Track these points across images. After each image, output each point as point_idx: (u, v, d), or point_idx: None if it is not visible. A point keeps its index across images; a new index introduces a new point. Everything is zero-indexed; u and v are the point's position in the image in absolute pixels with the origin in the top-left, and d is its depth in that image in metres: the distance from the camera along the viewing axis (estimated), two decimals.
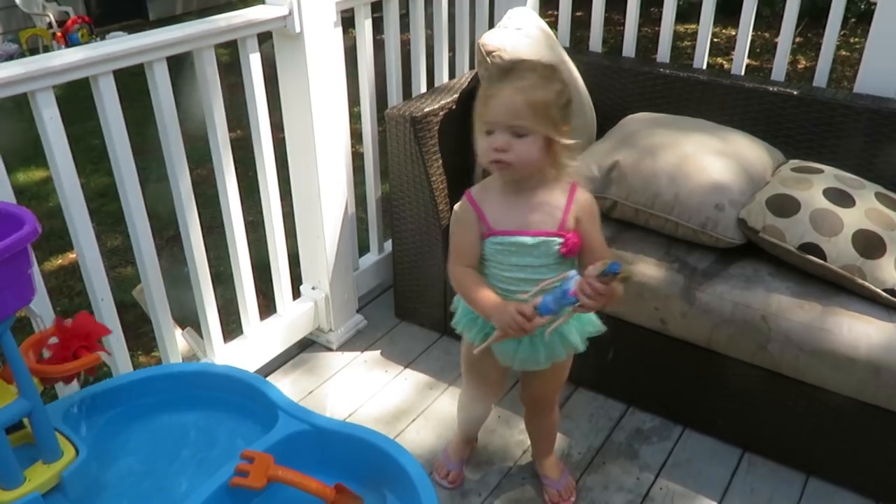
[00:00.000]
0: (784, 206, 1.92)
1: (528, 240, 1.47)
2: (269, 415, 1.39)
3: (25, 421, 1.26)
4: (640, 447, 2.06)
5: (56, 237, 3.15)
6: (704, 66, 2.68)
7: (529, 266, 1.48)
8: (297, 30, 1.94)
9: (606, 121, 2.46)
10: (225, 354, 2.13)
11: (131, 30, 6.71)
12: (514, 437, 2.10)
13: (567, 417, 2.16)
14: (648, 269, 1.99)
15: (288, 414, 1.37)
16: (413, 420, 2.15)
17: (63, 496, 1.23)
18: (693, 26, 5.42)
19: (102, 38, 6.41)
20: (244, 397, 1.42)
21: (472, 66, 2.86)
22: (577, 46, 2.93)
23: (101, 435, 1.38)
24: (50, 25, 6.37)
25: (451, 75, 2.75)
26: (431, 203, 2.27)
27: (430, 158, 2.24)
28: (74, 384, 1.67)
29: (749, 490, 1.93)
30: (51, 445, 1.23)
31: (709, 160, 2.07)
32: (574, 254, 1.49)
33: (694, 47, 2.68)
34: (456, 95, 2.35)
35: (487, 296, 1.48)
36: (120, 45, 1.59)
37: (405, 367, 2.37)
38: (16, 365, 1.15)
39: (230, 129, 1.93)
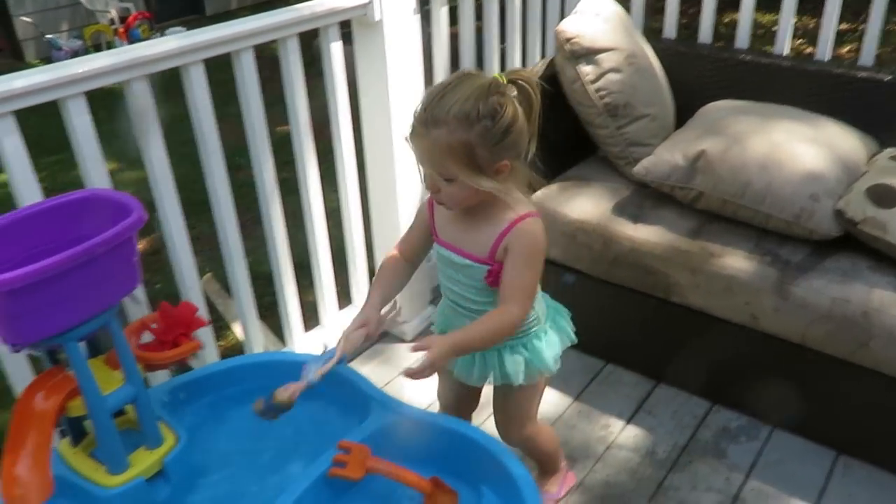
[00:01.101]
0: (885, 196, 1.83)
1: (456, 258, 1.40)
2: (360, 405, 1.38)
3: (127, 407, 1.27)
4: (728, 446, 2.00)
5: None
6: (786, 52, 2.58)
7: (460, 283, 1.43)
8: (377, 18, 1.93)
9: (682, 109, 2.39)
10: (304, 343, 2.14)
11: (189, 25, 6.82)
12: (595, 433, 2.06)
13: (650, 414, 2.11)
14: (737, 262, 1.92)
15: (381, 405, 1.36)
16: (490, 415, 2.12)
17: (165, 482, 1.24)
18: (769, 16, 5.25)
19: (162, 34, 6.53)
20: (334, 387, 1.41)
21: (543, 55, 2.81)
22: (652, 33, 2.85)
23: (196, 422, 1.39)
24: (112, 22, 6.52)
25: (524, 64, 2.71)
26: None
27: None
28: (163, 372, 1.69)
29: (847, 494, 1.84)
30: (153, 432, 1.24)
31: (801, 148, 1.98)
32: (497, 285, 1.38)
33: (770, 37, 2.58)
34: None
35: (370, 298, 1.44)
36: (209, 34, 1.60)
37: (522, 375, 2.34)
38: (122, 352, 1.16)
39: (279, 124, 1.91)
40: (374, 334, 1.40)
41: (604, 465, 1.95)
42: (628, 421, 2.09)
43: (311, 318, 2.27)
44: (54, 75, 1.35)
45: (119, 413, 1.27)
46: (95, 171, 1.48)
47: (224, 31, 1.62)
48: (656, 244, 2.01)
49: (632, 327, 2.19)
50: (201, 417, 1.41)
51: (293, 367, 1.44)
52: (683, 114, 2.35)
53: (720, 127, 2.11)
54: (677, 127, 2.31)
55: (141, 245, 3.38)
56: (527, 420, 1.64)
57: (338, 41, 1.91)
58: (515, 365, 1.46)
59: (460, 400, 1.69)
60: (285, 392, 1.25)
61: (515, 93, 1.28)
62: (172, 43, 1.53)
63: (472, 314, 1.44)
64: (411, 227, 1.51)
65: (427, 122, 1.25)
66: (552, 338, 1.51)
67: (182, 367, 1.48)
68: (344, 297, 2.33)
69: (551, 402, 2.16)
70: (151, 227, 1.67)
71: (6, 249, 1.09)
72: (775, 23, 2.69)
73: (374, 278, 1.48)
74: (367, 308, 1.41)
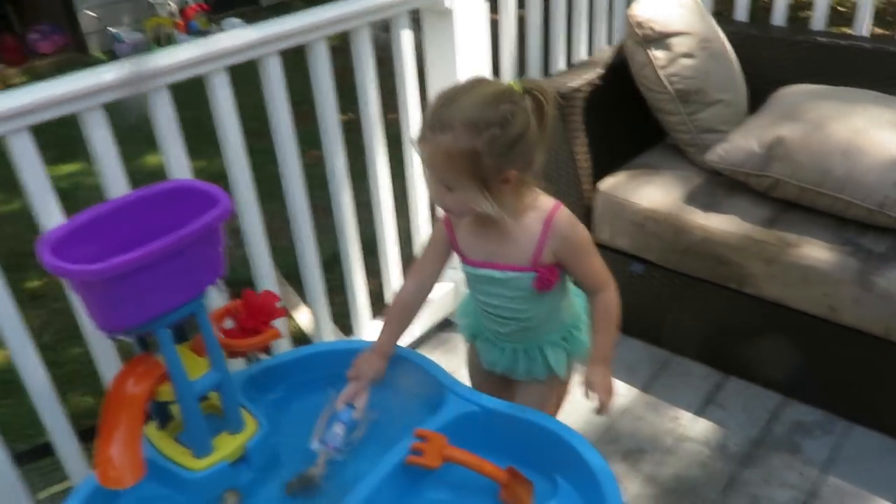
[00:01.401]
0: None
1: (497, 274, 1.36)
2: (435, 394, 1.38)
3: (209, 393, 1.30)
4: (802, 441, 1.95)
5: None
6: (866, 33, 2.48)
7: (503, 296, 1.39)
8: (448, 5, 1.92)
9: (755, 94, 2.32)
10: (373, 332, 2.15)
11: (245, 16, 6.92)
12: (664, 425, 2.03)
13: (720, 407, 2.07)
14: (816, 251, 1.87)
15: (456, 394, 1.36)
16: None
17: (247, 466, 1.27)
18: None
19: (218, 25, 6.63)
20: (409, 376, 1.42)
21: (610, 41, 2.76)
22: (722, 15, 2.77)
23: (275, 409, 1.42)
24: (171, 14, 6.63)
25: (589, 50, 2.67)
26: (575, 182, 2.21)
27: (575, 136, 2.18)
28: (239, 359, 1.73)
29: None
30: (236, 417, 1.27)
31: (885, 134, 1.91)
32: (550, 289, 1.36)
33: (847, 18, 2.48)
34: (600, 70, 2.27)
35: (379, 338, 1.42)
36: (283, 26, 1.61)
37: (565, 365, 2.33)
38: (209, 338, 1.19)
39: (343, 111, 1.91)
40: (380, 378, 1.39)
41: (673, 458, 1.93)
42: (698, 413, 2.06)
43: (375, 305, 2.29)
44: (137, 69, 1.38)
45: (202, 399, 1.30)
46: (177, 162, 1.52)
47: (299, 22, 1.63)
48: (730, 233, 1.97)
49: (702, 318, 2.15)
50: (278, 404, 1.43)
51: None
52: (756, 99, 2.29)
53: (797, 112, 2.05)
54: (750, 113, 2.25)
55: None
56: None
57: (408, 29, 1.91)
58: (558, 358, 1.48)
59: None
60: (315, 469, 1.26)
61: (529, 102, 1.23)
62: (251, 34, 1.55)
63: (515, 322, 1.42)
64: (425, 254, 1.46)
65: (434, 127, 1.21)
66: (588, 325, 1.49)
67: (257, 355, 1.52)
68: None
69: (618, 392, 2.13)
70: None
71: (101, 239, 1.12)
72: (851, 3, 2.59)
73: (385, 318, 1.44)
74: (375, 357, 1.39)
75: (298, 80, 1.84)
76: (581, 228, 1.35)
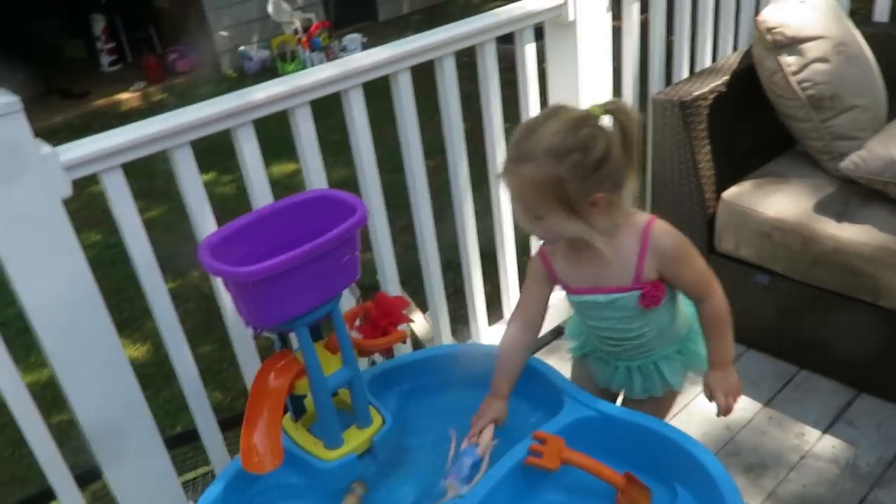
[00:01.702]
0: None
1: (601, 298, 1.34)
2: (553, 398, 1.41)
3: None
4: None
5: None
6: None
7: (611, 318, 1.37)
8: (571, 18, 1.95)
9: None
10: (489, 337, 2.21)
11: (363, 31, 7.18)
12: (788, 441, 1.97)
13: (850, 425, 1.98)
14: None
15: (574, 399, 1.38)
16: (675, 415, 2.09)
17: (373, 459, 1.35)
18: None
19: (340, 41, 6.92)
20: (527, 380, 1.46)
21: (735, 47, 2.69)
22: (860, 16, 2.65)
23: (398, 406, 1.49)
24: (296, 32, 6.97)
25: (714, 58, 2.61)
26: (698, 192, 2.17)
27: (699, 144, 2.15)
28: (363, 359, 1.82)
29: None
30: (365, 412, 1.35)
31: None
32: (657, 304, 1.33)
33: None
34: (726, 77, 2.23)
35: (494, 383, 1.39)
36: (413, 44, 1.70)
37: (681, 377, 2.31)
38: (342, 338, 1.28)
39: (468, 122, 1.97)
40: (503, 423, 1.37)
41: (798, 475, 1.87)
42: (825, 430, 1.98)
43: (492, 312, 2.35)
44: (284, 88, 1.50)
45: (333, 395, 1.39)
46: (315, 173, 1.63)
47: (428, 40, 1.71)
48: (864, 244, 1.88)
49: (832, 331, 2.07)
50: (400, 402, 1.51)
51: (485, 358, 1.51)
52: None
53: None
54: (891, 118, 2.14)
55: None
56: None
57: (532, 43, 1.96)
58: (675, 373, 1.47)
59: None
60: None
61: (611, 124, 1.24)
62: (384, 53, 1.64)
63: (627, 342, 1.42)
64: (525, 292, 1.46)
65: (517, 159, 1.23)
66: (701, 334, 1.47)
67: (376, 357, 1.60)
68: None
69: (739, 406, 2.06)
70: None
71: (251, 243, 1.23)
72: None
73: (497, 362, 1.42)
74: (497, 401, 1.38)
75: (425, 87, 1.92)
76: (679, 237, 1.34)
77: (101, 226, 3.86)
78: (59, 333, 1.36)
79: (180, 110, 1.41)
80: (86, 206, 3.79)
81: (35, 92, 6.50)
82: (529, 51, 1.96)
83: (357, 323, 1.45)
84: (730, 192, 2.16)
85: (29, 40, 6.61)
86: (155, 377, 2.81)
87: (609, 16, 2.08)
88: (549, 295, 1.45)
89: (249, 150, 1.51)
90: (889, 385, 2.02)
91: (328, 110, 1.85)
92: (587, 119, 1.23)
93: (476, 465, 1.29)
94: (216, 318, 1.70)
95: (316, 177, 1.64)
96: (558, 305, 2.37)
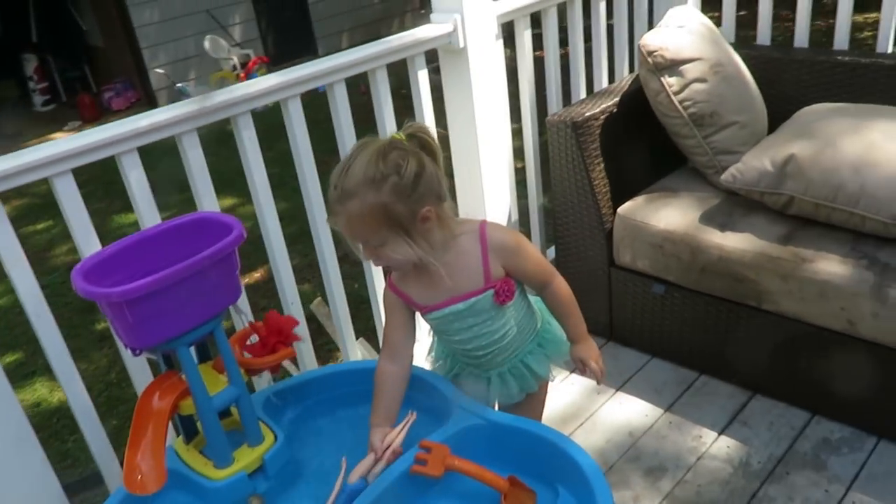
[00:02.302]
0: None
1: (459, 306, 1.41)
2: (443, 409, 1.45)
3: (232, 410, 1.41)
4: (829, 458, 1.93)
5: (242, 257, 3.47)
6: (890, 51, 2.48)
7: (473, 325, 1.44)
8: (461, 44, 2.03)
9: (777, 116, 2.34)
10: None
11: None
12: (686, 443, 2.04)
13: (745, 425, 2.07)
14: (832, 266, 1.88)
15: (463, 409, 1.42)
16: (581, 424, 2.15)
17: (264, 476, 1.36)
18: (871, 15, 5.01)
19: None
20: (419, 392, 1.50)
21: (631, 69, 2.83)
22: (744, 41, 2.81)
23: (293, 424, 1.51)
24: (234, 67, 6.99)
25: (611, 80, 2.74)
26: (594, 207, 2.26)
27: (593, 163, 2.24)
28: (266, 378, 1.83)
29: None
30: (254, 430, 1.36)
31: None
32: (511, 298, 1.42)
33: (873, 38, 2.49)
34: (617, 98, 2.34)
35: (372, 415, 1.40)
36: (305, 70, 1.75)
37: (570, 373, 2.36)
38: (227, 356, 1.30)
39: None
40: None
41: (694, 476, 1.94)
42: (721, 432, 2.07)
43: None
44: (172, 114, 1.53)
45: (226, 415, 1.41)
46: (207, 199, 1.66)
47: (319, 66, 1.76)
48: (745, 251, 1.99)
49: (724, 337, 2.16)
50: (297, 420, 1.52)
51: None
52: (779, 121, 2.30)
53: (812, 130, 2.07)
54: (770, 134, 2.27)
55: (259, 273, 3.64)
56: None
57: (423, 69, 2.03)
58: (542, 365, 1.54)
59: None
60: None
61: (415, 143, 1.31)
62: (273, 79, 1.68)
63: (493, 346, 1.47)
64: (388, 327, 1.48)
65: (340, 199, 1.27)
66: (555, 323, 1.56)
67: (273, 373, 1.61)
68: None
69: (641, 412, 2.16)
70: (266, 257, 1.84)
71: (130, 267, 1.25)
72: (874, 23, 2.59)
73: (374, 394, 1.43)
74: (377, 431, 1.37)
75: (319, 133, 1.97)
76: (512, 232, 1.45)
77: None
78: None
79: (62, 139, 1.42)
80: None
81: None
82: (422, 76, 2.03)
83: (249, 342, 1.47)
84: (624, 207, 2.26)
85: None
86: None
87: (500, 43, 2.17)
88: (411, 321, 1.47)
89: (135, 177, 1.53)
90: (779, 385, 2.12)
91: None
92: (392, 145, 1.29)
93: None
94: None
95: (208, 203, 1.66)
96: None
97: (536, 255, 1.47)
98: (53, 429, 2.86)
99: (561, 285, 1.48)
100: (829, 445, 1.97)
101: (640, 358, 2.37)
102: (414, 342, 1.48)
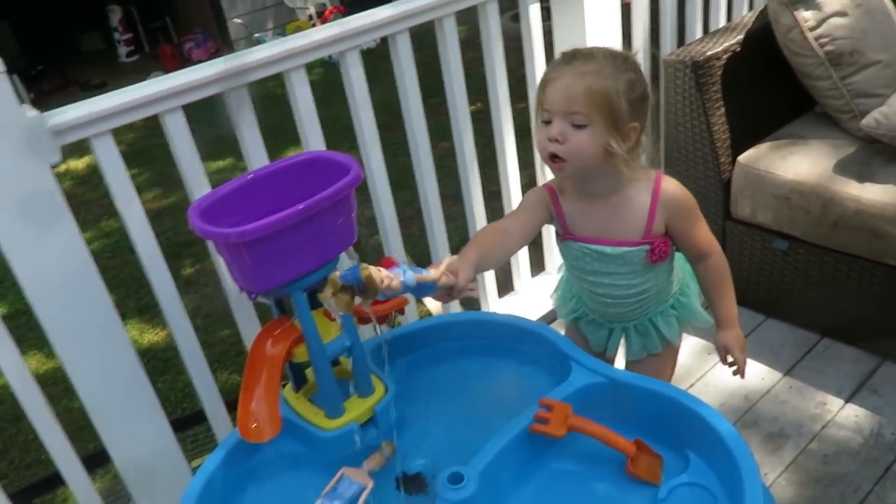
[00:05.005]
0: None
1: (608, 249, 1.30)
2: (560, 365, 1.37)
3: (340, 359, 1.36)
4: None
5: None
6: None
7: (615, 273, 1.33)
8: None
9: None
10: (499, 308, 2.17)
11: None
12: (809, 410, 1.91)
13: (874, 393, 1.92)
14: None
15: (582, 365, 1.34)
16: (692, 385, 2.04)
17: (375, 428, 1.31)
18: None
19: None
20: (534, 347, 1.42)
21: (751, 7, 2.61)
22: None
23: (403, 375, 1.46)
24: (311, 17, 6.94)
25: (729, 17, 2.53)
26: (713, 156, 2.11)
27: (713, 107, 2.08)
28: (370, 329, 1.79)
29: None
30: (366, 381, 1.31)
31: None
32: (664, 260, 1.31)
33: None
34: (740, 37, 2.15)
35: (466, 254, 1.23)
36: (414, 3, 1.64)
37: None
38: None
39: (471, 103, 1.90)
40: (457, 295, 1.21)
41: (819, 445, 1.81)
42: (848, 399, 1.92)
43: (503, 285, 2.31)
44: (277, 49, 1.46)
45: (335, 363, 1.36)
46: (314, 136, 1.59)
47: (377, 16, 1.64)
48: (888, 204, 1.81)
49: (854, 298, 2.00)
50: (407, 371, 1.47)
51: (495, 326, 1.48)
52: None
53: None
54: None
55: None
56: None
57: (536, 4, 1.90)
58: (671, 327, 1.44)
59: None
60: (379, 274, 1.11)
61: None
62: (382, 13, 1.59)
63: (627, 299, 1.39)
64: (522, 209, 1.37)
65: (575, 58, 1.21)
66: (693, 288, 1.46)
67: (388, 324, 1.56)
68: (537, 264, 2.33)
69: (757, 374, 2.03)
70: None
71: (243, 208, 1.20)
72: None
73: (473, 238, 1.30)
74: (464, 263, 1.21)
75: (431, 75, 1.87)
76: (688, 192, 1.33)
77: None
78: (54, 305, 1.34)
79: (171, 75, 1.37)
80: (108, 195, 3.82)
81: (54, 84, 6.60)
82: (534, 14, 1.90)
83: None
84: (746, 156, 2.09)
85: (47, 34, 6.68)
86: (175, 361, 2.81)
87: None
88: (536, 227, 1.37)
89: (244, 116, 1.47)
90: None
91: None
92: (634, 59, 1.25)
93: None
94: None
95: (314, 140, 1.60)
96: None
97: (704, 223, 1.36)
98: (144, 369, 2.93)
99: (720, 261, 1.36)
100: None
101: (755, 318, 2.22)
102: (528, 241, 1.36)
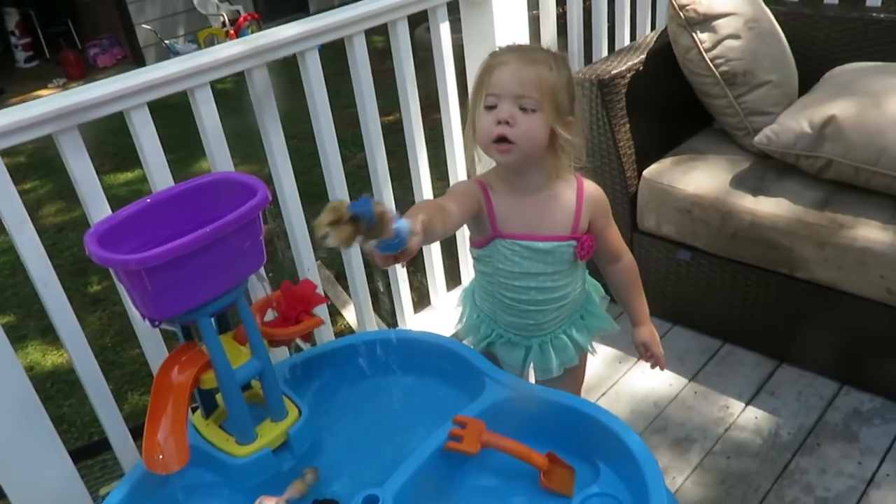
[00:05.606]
0: None
1: (540, 245, 1.34)
2: (474, 382, 1.38)
3: (252, 383, 1.33)
4: (860, 429, 1.88)
5: None
6: None
7: (542, 274, 1.36)
8: None
9: (807, 75, 2.25)
10: (414, 324, 2.17)
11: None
12: (713, 414, 1.99)
13: (772, 395, 2.02)
14: (872, 233, 1.80)
15: (495, 381, 1.36)
16: (604, 394, 2.10)
17: (290, 453, 1.29)
18: None
19: None
20: (448, 363, 1.42)
21: (653, 26, 2.72)
22: None
23: (316, 397, 1.44)
24: (223, 24, 6.79)
25: (633, 37, 2.63)
26: (619, 171, 2.18)
27: (618, 123, 2.15)
28: (284, 350, 1.76)
29: None
30: (278, 405, 1.29)
31: None
32: (589, 256, 1.39)
33: None
34: (643, 55, 2.23)
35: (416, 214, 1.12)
36: (323, 20, 1.64)
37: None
38: (249, 326, 1.22)
39: (385, 114, 1.92)
40: (407, 257, 1.09)
41: (723, 447, 1.89)
42: (749, 402, 2.01)
43: (418, 300, 2.31)
44: (182, 66, 1.42)
45: (246, 387, 1.33)
46: (220, 156, 1.56)
47: (337, 17, 1.65)
48: (779, 217, 1.91)
49: (752, 305, 2.10)
50: (320, 393, 1.45)
51: (408, 343, 1.48)
52: (808, 80, 2.22)
53: (850, 90, 1.98)
54: (801, 94, 2.18)
55: None
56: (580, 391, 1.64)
57: (446, 21, 1.92)
58: (584, 335, 1.49)
59: None
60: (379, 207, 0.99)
61: None
62: (291, 30, 1.57)
63: (551, 303, 1.41)
64: (455, 195, 1.32)
65: (523, 50, 1.28)
66: (596, 298, 1.52)
67: (299, 346, 1.54)
68: (453, 278, 2.35)
69: (665, 381, 2.11)
70: (265, 218, 1.74)
71: (147, 232, 1.16)
72: None
73: (415, 207, 1.20)
74: (416, 224, 1.08)
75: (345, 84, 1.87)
76: (606, 196, 1.41)
77: None
78: None
79: (67, 91, 1.32)
80: None
81: None
82: (444, 30, 1.92)
83: (269, 316, 1.39)
84: (650, 170, 2.17)
85: None
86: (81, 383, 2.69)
87: None
88: (472, 216, 1.33)
89: (147, 134, 1.42)
90: (808, 354, 2.06)
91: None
92: None
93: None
94: None
95: (221, 162, 1.56)
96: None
97: (616, 228, 1.44)
98: (48, 393, 2.78)
99: (632, 263, 1.45)
100: (861, 416, 1.92)
101: (662, 326, 2.31)
102: (457, 227, 1.32)
